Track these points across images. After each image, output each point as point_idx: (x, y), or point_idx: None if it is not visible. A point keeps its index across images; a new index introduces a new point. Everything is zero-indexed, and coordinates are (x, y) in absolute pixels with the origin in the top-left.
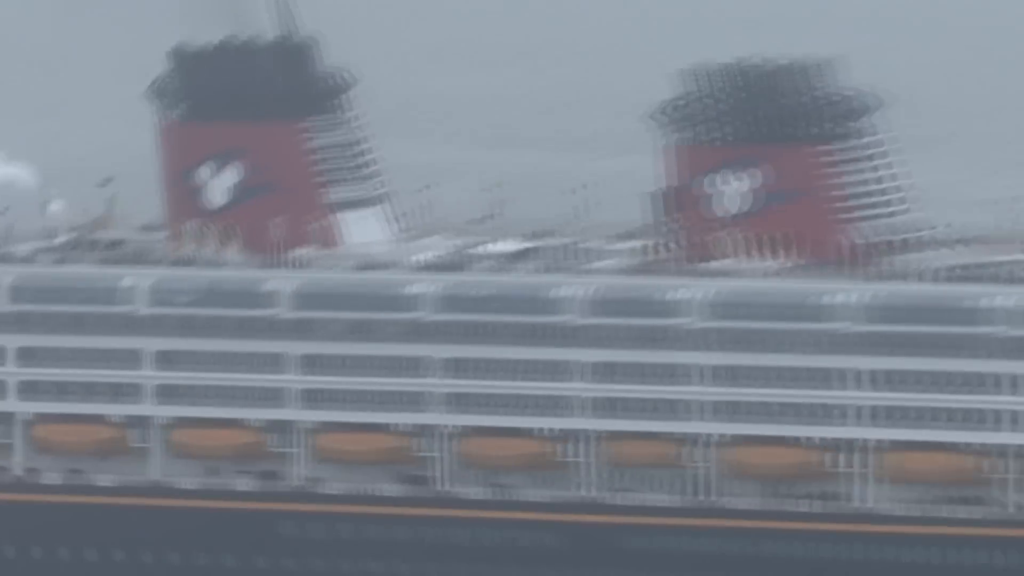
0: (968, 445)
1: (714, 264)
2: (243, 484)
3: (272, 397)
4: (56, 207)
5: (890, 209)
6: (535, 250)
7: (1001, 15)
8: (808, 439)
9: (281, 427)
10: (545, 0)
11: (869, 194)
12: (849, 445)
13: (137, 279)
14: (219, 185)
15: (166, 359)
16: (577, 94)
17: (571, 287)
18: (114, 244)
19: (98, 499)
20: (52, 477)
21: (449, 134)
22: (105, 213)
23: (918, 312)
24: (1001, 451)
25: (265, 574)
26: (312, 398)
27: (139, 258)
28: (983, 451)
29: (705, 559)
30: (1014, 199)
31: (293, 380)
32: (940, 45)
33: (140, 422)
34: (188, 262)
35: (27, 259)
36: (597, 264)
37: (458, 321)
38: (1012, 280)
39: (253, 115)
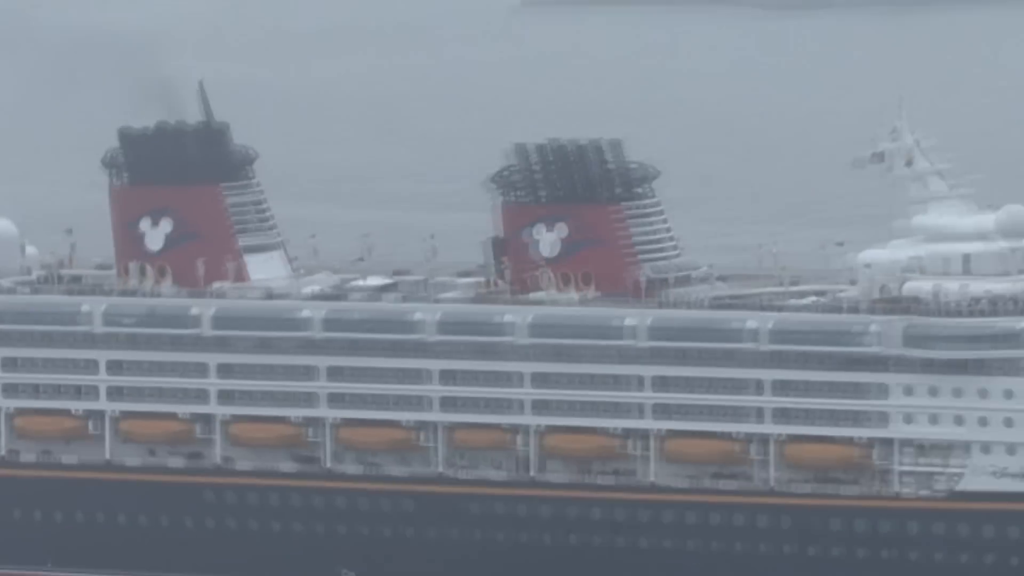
0: (729, 434)
1: (533, 295)
2: (175, 462)
3: (197, 396)
4: (31, 250)
5: (666, 253)
6: (397, 284)
7: (744, 106)
8: (607, 428)
9: (204, 419)
10: (399, 94)
11: (650, 242)
12: (638, 433)
13: (93, 305)
14: (155, 234)
15: (116, 367)
16: (428, 165)
17: (424, 312)
18: (75, 279)
19: (64, 474)
20: (28, 457)
21: (328, 195)
22: (68, 255)
23: (689, 332)
24: (753, 438)
25: (191, 532)
26: (227, 397)
27: (94, 289)
28: (742, 438)
29: (528, 521)
30: (758, 246)
31: (213, 383)
32: (697, 128)
33: (96, 415)
34: (132, 292)
35: (9, 290)
36: (444, 295)
37: (338, 338)
38: (760, 307)
39: (181, 181)
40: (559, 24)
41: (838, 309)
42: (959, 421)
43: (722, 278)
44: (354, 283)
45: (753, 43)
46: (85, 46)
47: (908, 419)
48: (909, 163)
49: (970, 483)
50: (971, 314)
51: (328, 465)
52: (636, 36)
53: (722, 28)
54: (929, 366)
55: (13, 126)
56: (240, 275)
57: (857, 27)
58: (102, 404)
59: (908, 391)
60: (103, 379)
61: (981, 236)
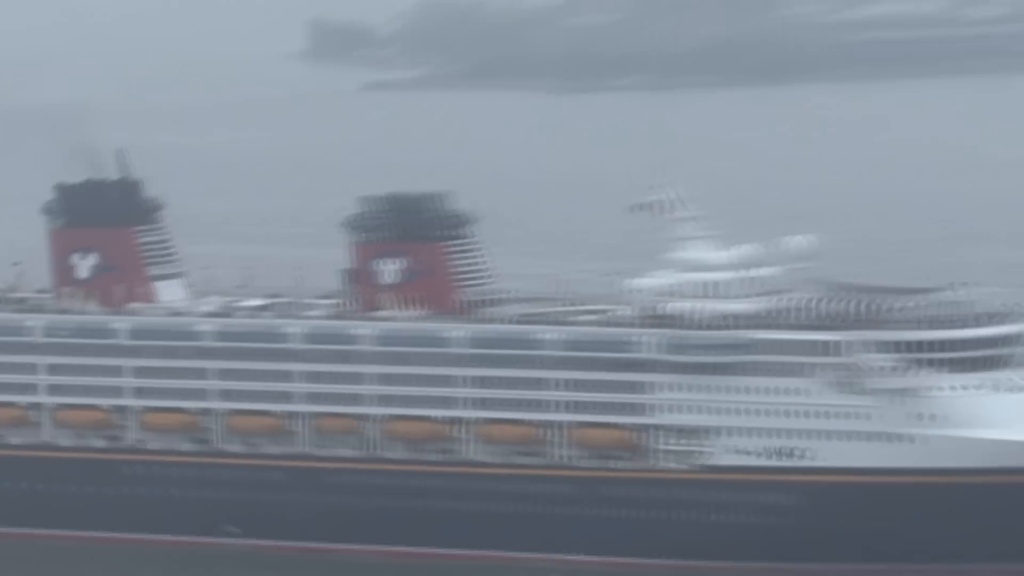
0: (531, 421)
1: (379, 313)
2: (98, 443)
3: (116, 392)
4: None
5: (482, 281)
6: (272, 304)
7: (539, 166)
8: (436, 417)
9: (122, 410)
10: (273, 157)
11: (470, 272)
12: (460, 421)
13: (36, 320)
14: (84, 265)
15: (53, 368)
16: (295, 212)
17: (293, 326)
18: (22, 300)
19: (11, 452)
20: None
21: (218, 235)
22: (16, 282)
23: (500, 341)
24: (550, 424)
25: (112, 497)
26: (140, 392)
27: (37, 308)
28: (541, 424)
29: (373, 488)
30: (553, 275)
31: (129, 381)
32: (506, 182)
33: (38, 407)
34: (66, 311)
35: None
36: (309, 312)
37: (227, 347)
38: (555, 322)
39: (104, 224)
40: (395, 103)
41: (614, 324)
42: (708, 411)
43: (526, 300)
44: (238, 304)
45: (545, 118)
46: (24, 118)
47: (668, 409)
48: (671, 211)
49: (717, 459)
50: (717, 328)
51: (218, 445)
52: (454, 113)
53: (520, 106)
54: (685, 368)
55: None
56: (150, 297)
57: (630, 106)
58: (42, 398)
59: (668, 387)
60: (43, 379)
61: (724, 268)
